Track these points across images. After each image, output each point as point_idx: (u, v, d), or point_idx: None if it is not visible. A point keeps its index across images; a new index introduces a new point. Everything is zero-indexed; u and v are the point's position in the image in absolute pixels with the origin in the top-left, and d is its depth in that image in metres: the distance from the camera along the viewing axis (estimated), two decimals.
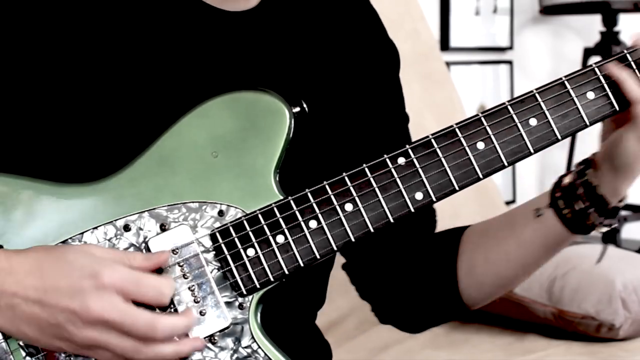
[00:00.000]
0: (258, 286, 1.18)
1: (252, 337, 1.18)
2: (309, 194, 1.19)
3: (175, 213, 1.19)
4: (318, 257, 1.19)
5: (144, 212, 1.19)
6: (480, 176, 1.22)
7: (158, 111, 1.23)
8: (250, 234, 1.18)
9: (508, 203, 3.87)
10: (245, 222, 1.18)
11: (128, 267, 1.11)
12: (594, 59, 4.07)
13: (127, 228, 1.18)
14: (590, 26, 4.20)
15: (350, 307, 2.41)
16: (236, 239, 1.18)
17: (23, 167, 1.20)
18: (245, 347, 1.18)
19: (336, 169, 1.21)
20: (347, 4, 1.42)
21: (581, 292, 2.37)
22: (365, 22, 1.43)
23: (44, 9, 1.23)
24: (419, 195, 1.21)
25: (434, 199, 1.21)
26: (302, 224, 1.19)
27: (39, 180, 1.19)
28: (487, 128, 1.22)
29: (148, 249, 1.18)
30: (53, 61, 1.22)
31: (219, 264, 1.18)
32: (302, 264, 1.19)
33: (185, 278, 1.17)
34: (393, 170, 1.20)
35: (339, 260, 1.45)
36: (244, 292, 1.18)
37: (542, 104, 1.23)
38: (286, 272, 1.18)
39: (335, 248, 1.19)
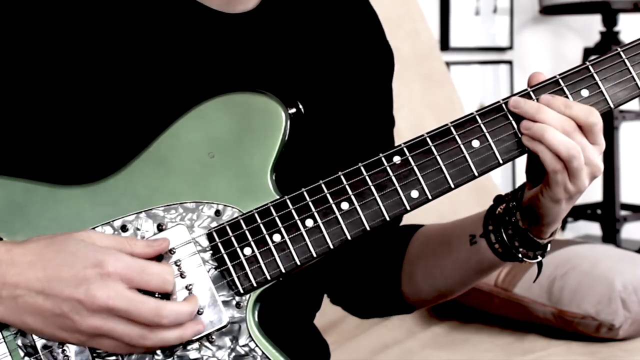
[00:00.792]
0: (255, 285, 1.18)
1: (250, 336, 1.18)
2: (305, 193, 1.20)
3: (172, 213, 1.19)
4: (314, 255, 1.19)
5: (141, 212, 1.19)
6: (476, 174, 1.22)
7: (155, 112, 1.23)
8: (247, 233, 1.19)
9: None
10: (241, 222, 1.19)
11: (130, 254, 1.12)
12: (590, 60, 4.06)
13: (124, 229, 1.19)
14: (590, 26, 4.20)
15: None
16: (233, 238, 1.19)
17: (20, 168, 1.21)
18: (243, 346, 1.18)
19: (332, 168, 1.21)
20: (346, 6, 1.42)
21: (581, 292, 2.37)
22: (363, 24, 1.44)
23: (44, 10, 1.23)
24: (414, 194, 1.21)
25: (430, 197, 1.21)
26: (299, 222, 1.19)
27: (35, 182, 1.19)
28: (482, 126, 1.22)
29: None
30: (51, 62, 1.22)
31: (216, 263, 1.19)
32: (298, 263, 1.19)
33: (183, 277, 1.18)
34: (388, 168, 1.21)
35: None
36: (241, 291, 1.18)
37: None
38: (283, 270, 1.19)
39: (331, 246, 1.19)
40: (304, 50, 1.36)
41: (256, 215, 1.19)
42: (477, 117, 1.22)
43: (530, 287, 2.43)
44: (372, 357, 2.33)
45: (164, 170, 1.20)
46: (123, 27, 1.26)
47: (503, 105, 1.22)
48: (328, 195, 1.20)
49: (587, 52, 4.07)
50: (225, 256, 1.18)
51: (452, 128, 1.22)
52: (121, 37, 1.25)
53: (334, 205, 1.20)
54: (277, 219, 1.19)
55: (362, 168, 1.21)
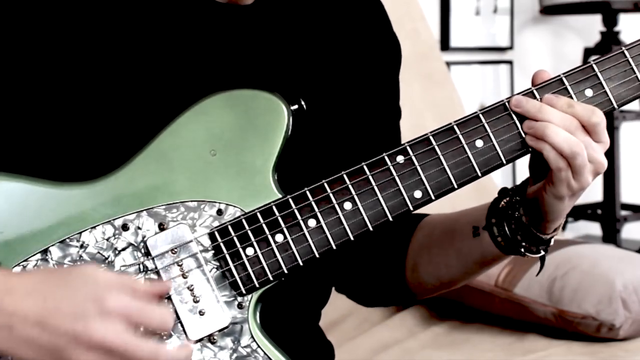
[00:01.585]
0: (257, 285, 1.18)
1: (252, 337, 1.18)
2: (307, 193, 1.19)
3: (173, 212, 1.18)
4: (317, 255, 1.19)
5: (142, 211, 1.18)
6: (479, 174, 1.21)
7: (155, 109, 1.23)
8: (249, 233, 1.18)
9: None
10: (244, 221, 1.18)
11: (132, 293, 1.08)
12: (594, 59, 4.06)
13: (125, 227, 1.18)
14: (591, 26, 4.20)
15: (350, 307, 2.40)
16: (235, 238, 1.18)
17: (21, 166, 1.20)
18: (245, 347, 1.17)
19: (334, 167, 1.21)
20: (356, 4, 1.41)
21: (581, 292, 2.36)
22: (369, 15, 1.42)
23: (45, 8, 1.23)
24: (417, 194, 1.20)
25: (433, 197, 1.20)
26: (301, 222, 1.18)
27: (36, 179, 1.18)
28: (486, 125, 1.21)
29: (146, 248, 1.17)
30: (52, 59, 1.22)
31: (218, 263, 1.18)
32: (301, 263, 1.18)
33: (185, 277, 1.17)
34: (392, 168, 1.20)
35: None
36: (243, 292, 1.18)
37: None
38: (285, 271, 1.18)
39: (334, 247, 1.19)
40: (309, 43, 1.34)
41: (258, 215, 1.18)
42: (481, 116, 1.21)
43: (530, 287, 2.42)
44: (372, 357, 2.33)
45: (166, 167, 1.19)
46: (125, 22, 1.25)
47: (507, 104, 1.22)
48: (331, 195, 1.19)
49: (588, 52, 4.07)
50: (228, 257, 1.18)
51: (455, 127, 1.21)
52: (123, 32, 1.24)
53: (337, 205, 1.19)
54: (279, 219, 1.18)
55: (365, 167, 1.20)
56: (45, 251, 1.17)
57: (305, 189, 1.19)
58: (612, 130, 3.84)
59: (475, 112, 1.22)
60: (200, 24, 1.28)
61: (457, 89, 3.21)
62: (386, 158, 1.20)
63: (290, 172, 1.22)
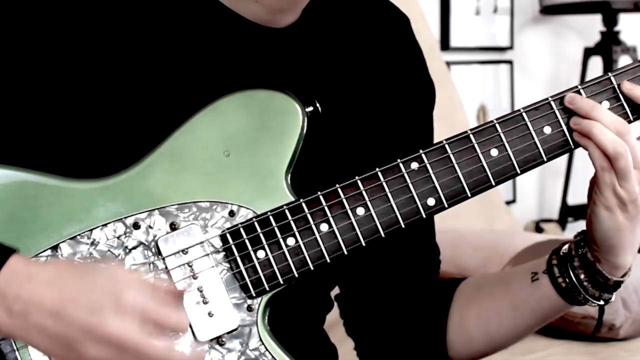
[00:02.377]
0: (267, 289, 1.17)
1: (260, 340, 1.17)
2: (320, 197, 1.18)
3: (185, 212, 1.18)
4: (328, 260, 1.18)
5: (154, 210, 1.18)
6: (493, 183, 1.21)
7: (171, 108, 1.22)
8: (261, 235, 1.17)
9: (508, 203, 3.87)
10: (256, 224, 1.18)
11: (151, 292, 1.07)
12: (594, 59, 4.07)
13: (136, 226, 1.17)
14: (591, 26, 4.20)
15: None
16: (247, 241, 1.17)
17: (33, 161, 1.19)
18: (253, 350, 1.17)
19: (349, 172, 1.20)
20: (389, 33, 1.38)
21: None
22: (406, 53, 1.40)
23: (68, 6, 1.21)
24: (431, 201, 1.20)
25: (446, 205, 1.20)
26: (314, 227, 1.18)
27: (48, 175, 1.18)
28: (502, 135, 1.21)
29: (157, 248, 1.17)
30: (67, 56, 1.20)
31: (229, 265, 1.17)
32: (312, 268, 1.18)
33: (195, 278, 1.16)
34: (406, 175, 1.20)
35: None
36: (253, 294, 1.17)
37: (556, 112, 1.22)
38: (296, 275, 1.18)
39: (345, 252, 1.18)
40: (340, 70, 1.32)
41: (271, 217, 1.18)
42: (497, 125, 1.21)
43: None
44: None
45: (179, 167, 1.18)
46: (153, 25, 1.23)
47: (524, 114, 1.22)
48: (344, 200, 1.19)
49: (588, 52, 4.07)
50: (239, 259, 1.17)
51: (471, 135, 1.21)
52: (146, 33, 1.23)
53: (349, 211, 1.18)
54: (292, 222, 1.18)
55: (379, 173, 1.19)
56: (55, 247, 1.16)
57: (319, 193, 1.19)
58: None
59: (492, 121, 1.21)
60: (233, 39, 1.26)
61: (457, 89, 3.21)
62: (401, 165, 1.20)
63: (304, 176, 1.21)
